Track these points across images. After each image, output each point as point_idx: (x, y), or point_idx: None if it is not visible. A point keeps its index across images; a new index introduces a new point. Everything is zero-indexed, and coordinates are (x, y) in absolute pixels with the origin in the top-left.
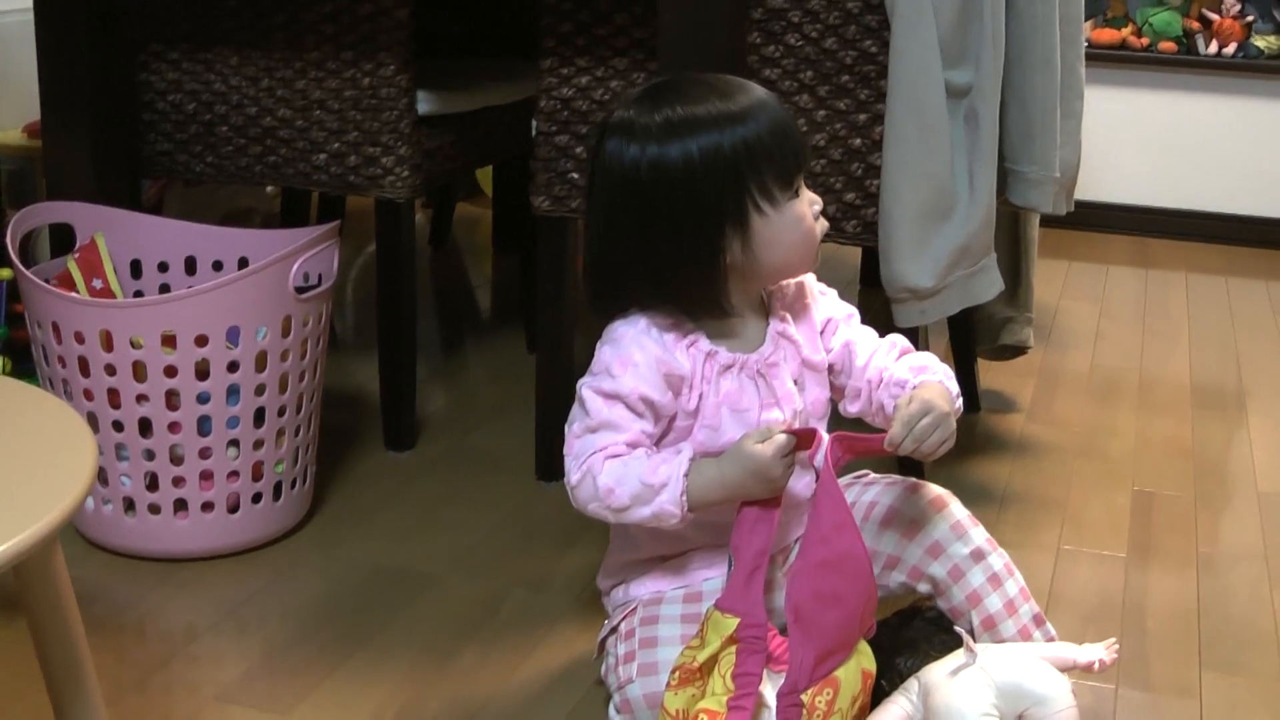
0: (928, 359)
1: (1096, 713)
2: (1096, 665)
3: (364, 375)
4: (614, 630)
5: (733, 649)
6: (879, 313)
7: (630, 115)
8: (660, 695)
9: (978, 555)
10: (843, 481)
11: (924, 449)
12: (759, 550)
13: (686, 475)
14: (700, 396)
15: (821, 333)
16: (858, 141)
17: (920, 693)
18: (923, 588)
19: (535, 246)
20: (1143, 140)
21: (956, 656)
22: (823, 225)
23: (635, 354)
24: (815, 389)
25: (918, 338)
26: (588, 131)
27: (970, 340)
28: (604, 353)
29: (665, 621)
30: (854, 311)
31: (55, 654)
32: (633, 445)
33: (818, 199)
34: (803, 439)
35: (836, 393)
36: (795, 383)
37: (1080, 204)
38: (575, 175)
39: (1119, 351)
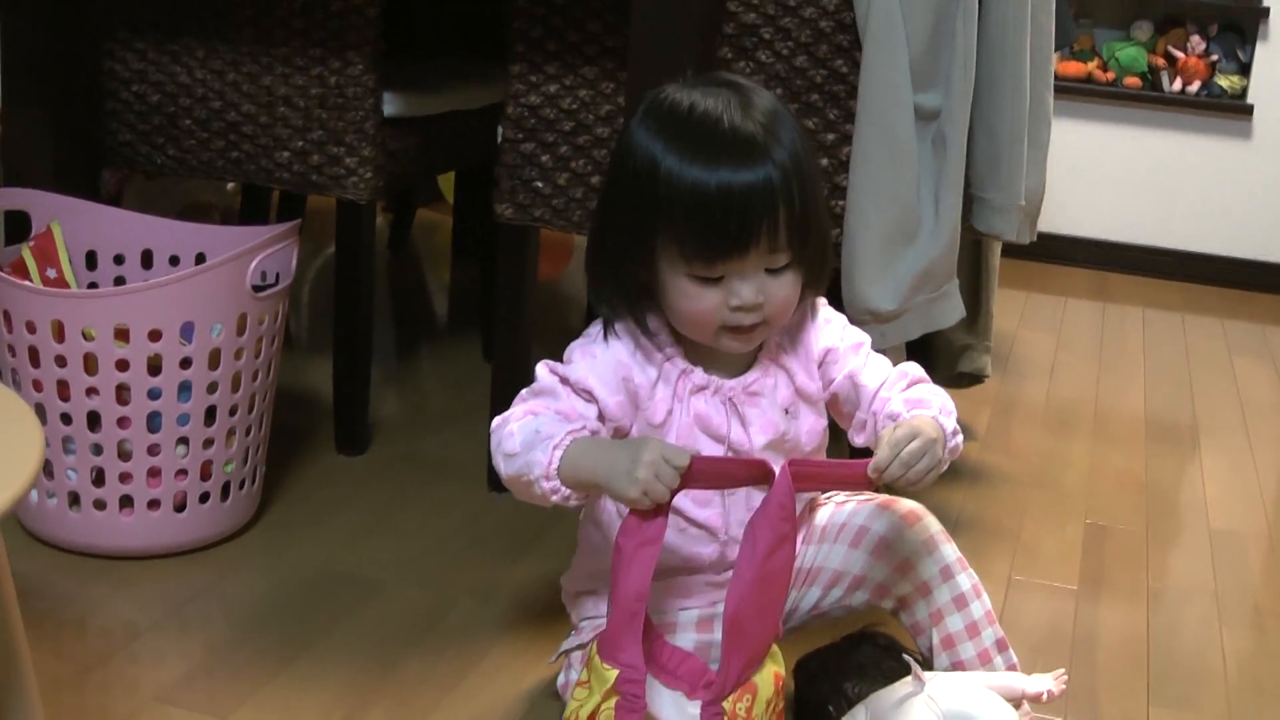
0: (930, 392)
1: None
2: (1045, 696)
3: (318, 377)
4: (581, 647)
5: (612, 702)
6: None
7: (664, 92)
8: None
9: (946, 574)
10: (819, 500)
11: (910, 476)
12: (635, 594)
13: (573, 437)
14: (670, 412)
15: (821, 363)
16: (825, 161)
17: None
18: (887, 604)
19: (495, 255)
20: (1104, 174)
21: (904, 684)
22: (748, 318)
23: (598, 351)
24: (810, 418)
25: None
26: (555, 139)
27: (928, 367)
28: (573, 345)
29: None
30: (864, 340)
31: None
32: (563, 414)
33: (752, 298)
34: (758, 472)
35: (844, 422)
36: (788, 411)
37: (1041, 235)
38: (540, 184)
39: (1075, 383)
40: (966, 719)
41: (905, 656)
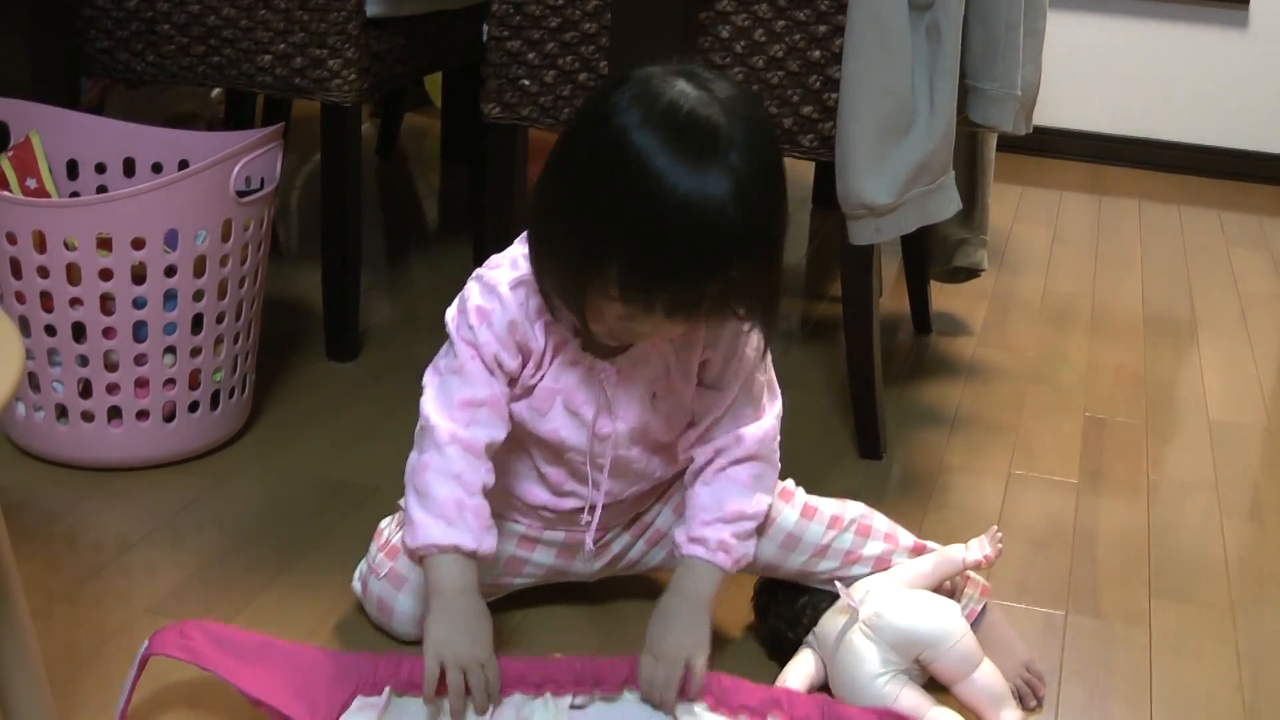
0: (728, 497)
1: (1045, 638)
2: (984, 560)
3: (306, 285)
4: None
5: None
6: (830, 234)
7: (652, 72)
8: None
9: (835, 522)
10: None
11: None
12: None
13: (455, 553)
14: (541, 378)
15: (703, 364)
16: (817, 54)
17: (818, 649)
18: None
19: (484, 158)
20: (1100, 66)
21: (838, 612)
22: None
23: (494, 309)
24: (671, 409)
25: (872, 255)
26: (541, 36)
27: (924, 262)
28: (473, 287)
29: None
30: (749, 357)
31: None
32: (486, 404)
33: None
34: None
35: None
36: (655, 395)
37: (1036, 129)
38: (526, 82)
39: (1071, 277)
40: (908, 637)
41: (835, 584)
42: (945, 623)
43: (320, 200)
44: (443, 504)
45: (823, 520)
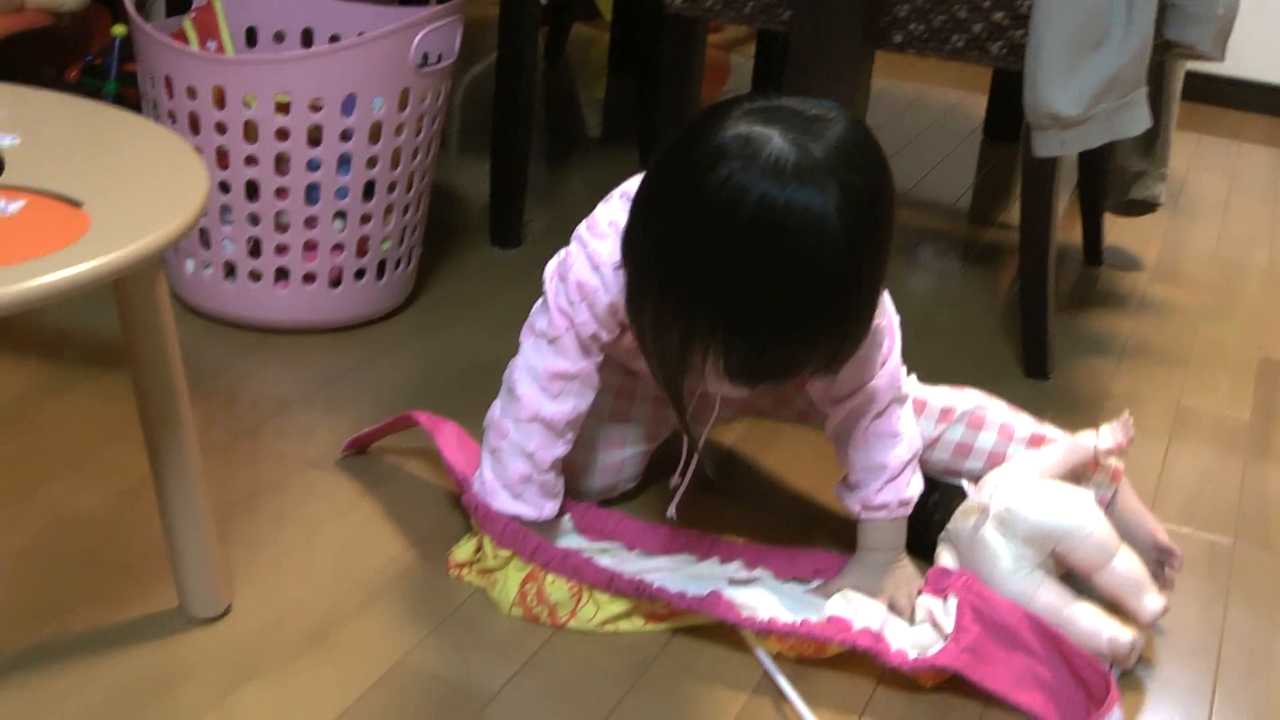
0: (883, 453)
1: (1211, 565)
2: (1116, 447)
3: (470, 179)
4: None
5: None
6: (998, 165)
7: (772, 134)
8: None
9: (945, 415)
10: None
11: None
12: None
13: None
14: None
15: None
16: None
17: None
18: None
19: (652, 70)
20: None
21: (968, 511)
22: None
23: (596, 288)
24: (777, 391)
25: (1054, 170)
26: None
27: (1099, 192)
28: (578, 255)
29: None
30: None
31: (152, 387)
32: (577, 377)
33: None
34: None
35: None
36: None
37: (1213, 78)
38: None
39: (1249, 224)
40: (1042, 531)
41: (961, 483)
42: (1078, 513)
43: (494, 92)
44: (510, 477)
45: (932, 415)
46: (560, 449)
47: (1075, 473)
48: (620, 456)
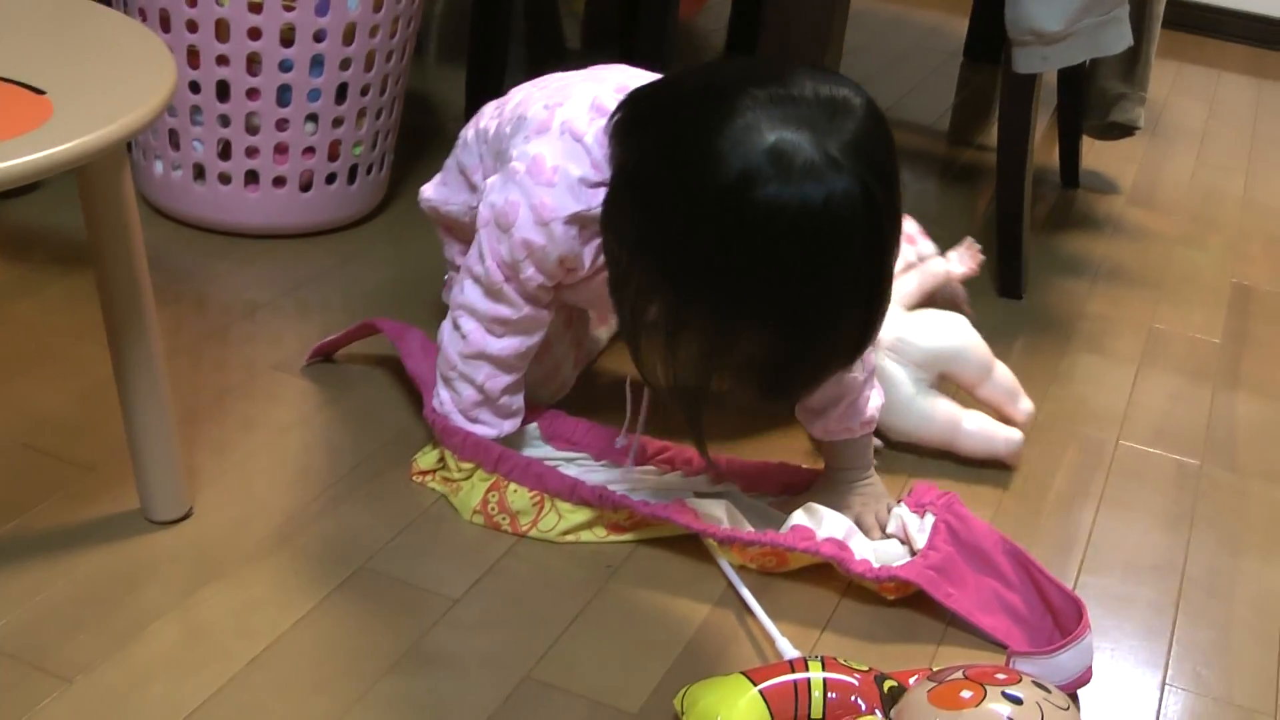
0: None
1: (1179, 486)
2: (968, 271)
3: (445, 87)
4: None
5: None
6: (979, 86)
7: (795, 136)
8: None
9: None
10: None
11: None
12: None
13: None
14: (588, 278)
15: None
16: None
17: None
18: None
19: None
20: None
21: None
22: None
23: (544, 245)
24: None
25: (1033, 87)
26: None
27: (1078, 115)
28: (522, 211)
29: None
30: None
31: (116, 283)
32: (520, 320)
33: None
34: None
35: None
36: None
37: (1195, 5)
38: None
39: (1226, 152)
40: (932, 355)
41: None
42: (961, 335)
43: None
44: (465, 402)
45: None
46: (511, 378)
47: (929, 295)
48: (553, 363)
